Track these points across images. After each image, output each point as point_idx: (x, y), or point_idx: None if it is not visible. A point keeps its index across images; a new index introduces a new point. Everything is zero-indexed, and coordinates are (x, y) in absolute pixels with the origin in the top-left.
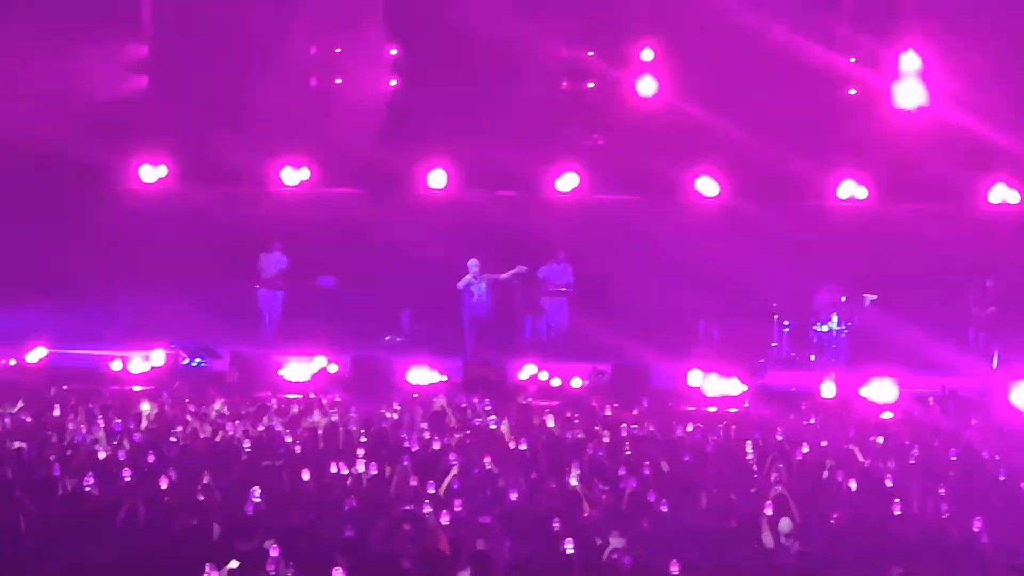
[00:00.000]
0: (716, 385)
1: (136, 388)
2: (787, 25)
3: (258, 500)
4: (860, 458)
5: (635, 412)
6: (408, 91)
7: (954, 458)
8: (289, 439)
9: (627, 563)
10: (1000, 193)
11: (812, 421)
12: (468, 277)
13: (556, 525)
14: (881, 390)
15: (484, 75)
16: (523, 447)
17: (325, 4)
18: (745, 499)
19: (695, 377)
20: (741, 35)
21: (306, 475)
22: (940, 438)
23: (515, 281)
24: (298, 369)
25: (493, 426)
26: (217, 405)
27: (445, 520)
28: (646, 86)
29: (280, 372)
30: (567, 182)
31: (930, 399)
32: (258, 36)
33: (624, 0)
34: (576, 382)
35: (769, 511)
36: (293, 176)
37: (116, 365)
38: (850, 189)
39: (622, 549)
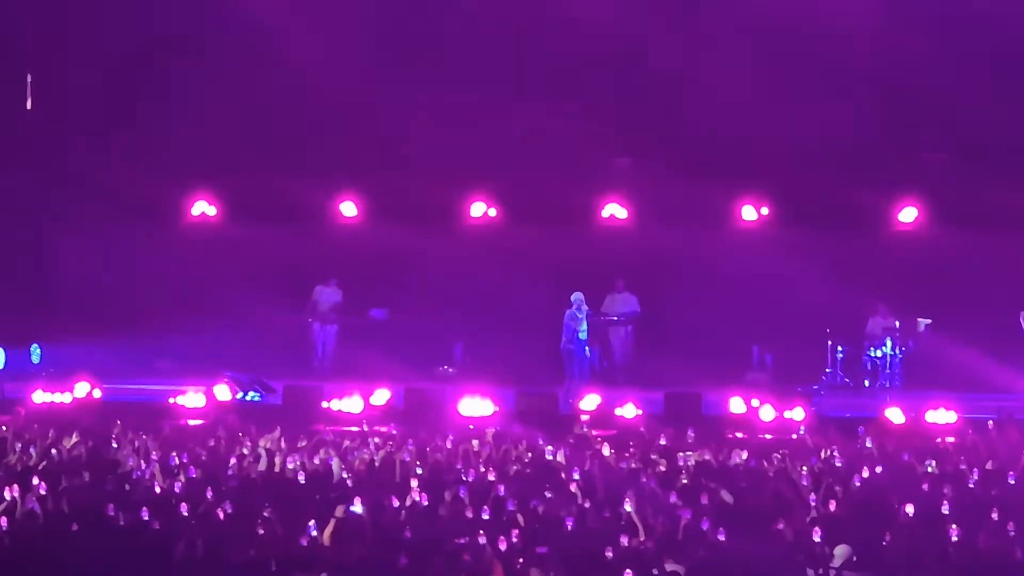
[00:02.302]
0: (775, 412)
1: (192, 422)
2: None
3: (315, 533)
4: (924, 485)
5: (689, 440)
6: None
7: (1012, 482)
8: (345, 474)
9: None
10: None
11: (868, 445)
12: (573, 310)
13: (609, 554)
14: (944, 415)
15: (523, 101)
16: (578, 477)
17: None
18: (801, 527)
19: (749, 404)
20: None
21: (359, 507)
22: (998, 462)
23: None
24: (353, 402)
25: (549, 456)
26: (266, 441)
27: (502, 549)
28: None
29: (335, 404)
30: (617, 212)
31: (989, 423)
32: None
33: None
34: (630, 411)
35: (818, 538)
36: (348, 210)
37: (174, 400)
38: (904, 214)
39: None
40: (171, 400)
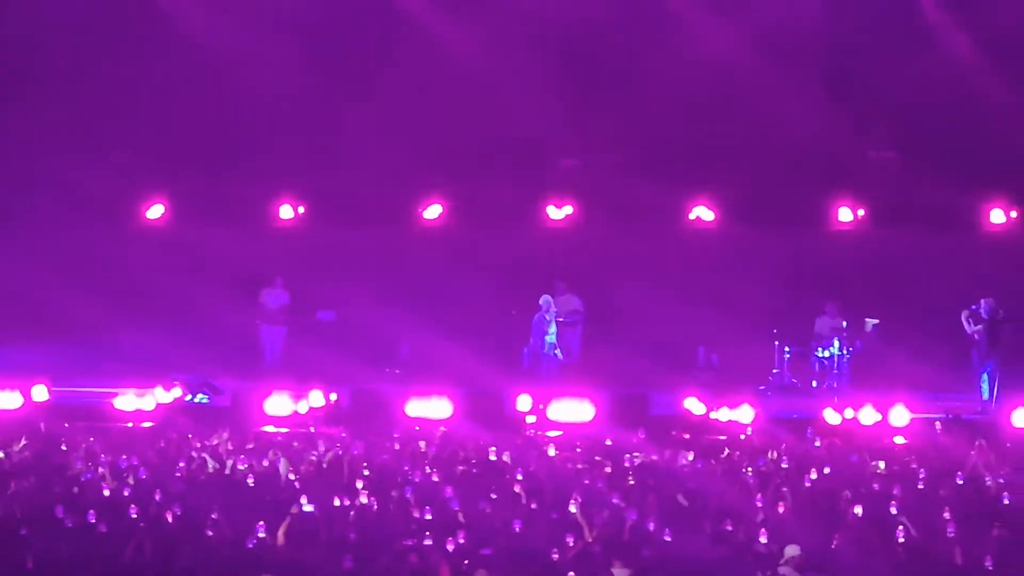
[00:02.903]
0: (722, 412)
1: (140, 424)
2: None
3: (263, 535)
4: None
5: (636, 441)
6: (401, 121)
7: (960, 482)
8: (293, 475)
9: None
10: (1000, 215)
11: (817, 444)
12: (541, 313)
13: (555, 555)
14: (890, 415)
15: (469, 105)
16: (524, 478)
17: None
18: (748, 527)
19: (695, 404)
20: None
21: (309, 507)
22: (946, 462)
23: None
24: (297, 403)
25: (493, 457)
26: (215, 442)
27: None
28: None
29: (274, 407)
30: (561, 212)
31: (937, 424)
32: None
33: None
34: (577, 412)
35: (764, 539)
36: (291, 212)
37: (119, 402)
38: (849, 214)
39: None
40: (117, 402)
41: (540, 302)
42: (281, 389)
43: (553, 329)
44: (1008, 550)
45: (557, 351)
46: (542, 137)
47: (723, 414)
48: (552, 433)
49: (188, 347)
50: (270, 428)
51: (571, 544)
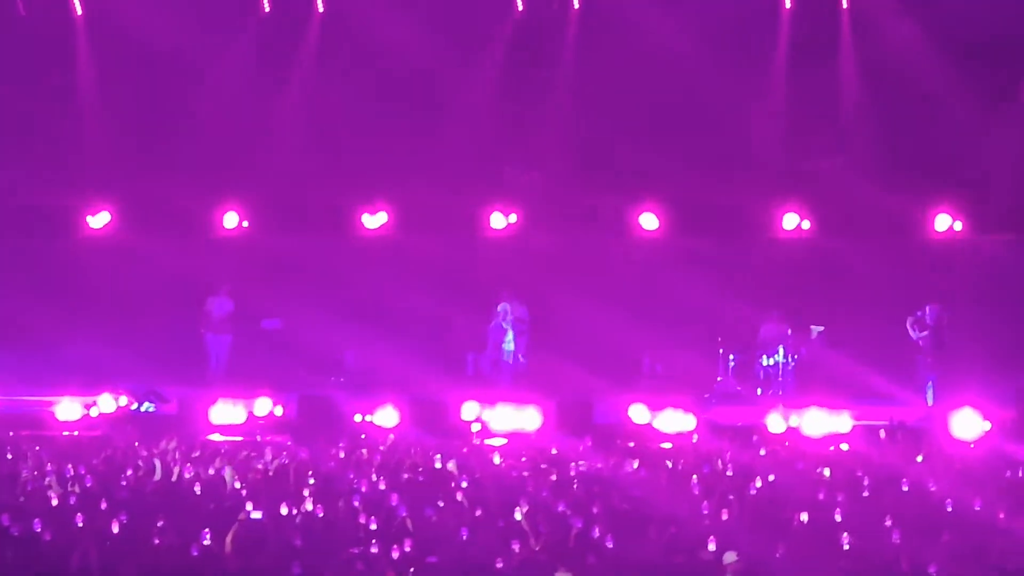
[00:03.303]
0: (666, 420)
1: (84, 433)
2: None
3: (207, 542)
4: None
5: (581, 449)
6: (344, 130)
7: (906, 489)
8: (239, 483)
9: None
10: (945, 222)
11: (763, 453)
12: (499, 320)
13: (500, 564)
14: (835, 422)
15: (415, 111)
16: (470, 485)
17: (261, 49)
18: (694, 534)
19: (639, 412)
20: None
21: (257, 514)
22: (889, 470)
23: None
24: (242, 411)
25: (439, 464)
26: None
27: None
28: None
29: (220, 415)
30: (505, 220)
31: (881, 431)
32: (196, 78)
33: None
34: (523, 420)
35: (712, 546)
36: (235, 220)
37: (63, 411)
38: (793, 221)
39: None
40: (58, 412)
41: (498, 309)
42: (227, 397)
43: (510, 337)
44: (953, 557)
45: (520, 357)
46: (486, 145)
47: (665, 422)
48: (497, 441)
49: (134, 355)
50: (217, 436)
51: (516, 552)
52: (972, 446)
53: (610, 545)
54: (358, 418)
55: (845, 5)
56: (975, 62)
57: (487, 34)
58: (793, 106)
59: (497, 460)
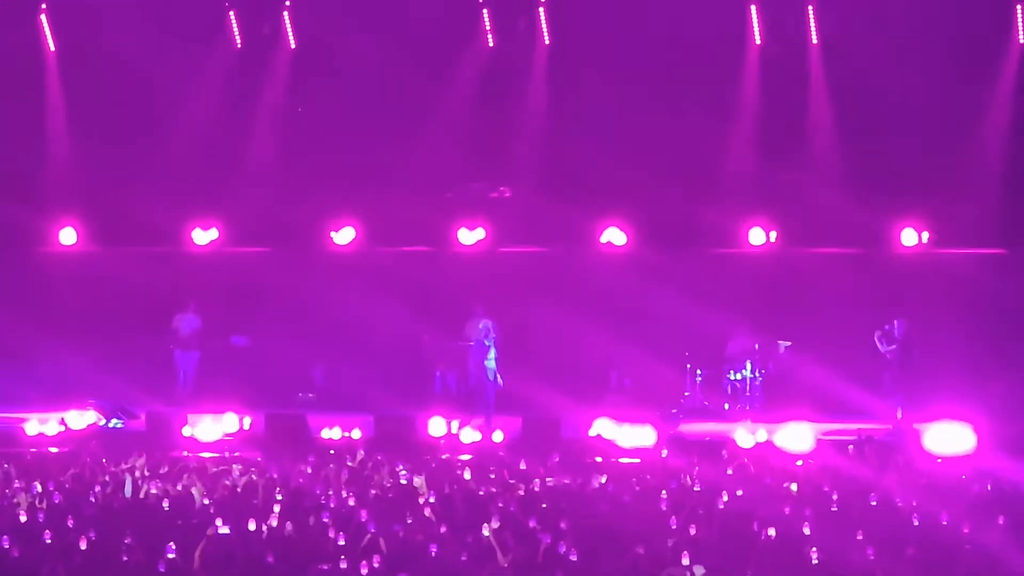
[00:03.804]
0: (629, 436)
1: (52, 450)
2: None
3: (173, 556)
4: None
5: (549, 464)
6: (312, 146)
7: (874, 503)
8: (207, 500)
9: None
10: (912, 237)
11: (729, 472)
12: (480, 338)
13: None
14: (799, 437)
15: (384, 127)
16: (438, 501)
17: (230, 63)
18: (662, 550)
19: (606, 428)
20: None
21: (225, 529)
22: (858, 484)
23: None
24: (210, 428)
25: (404, 480)
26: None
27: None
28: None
29: (192, 431)
30: (473, 235)
31: (849, 446)
32: (166, 95)
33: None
34: (642, 437)
35: (686, 560)
36: (203, 236)
37: (31, 428)
38: (761, 236)
39: None
40: (28, 428)
41: (479, 327)
42: (195, 414)
43: (492, 355)
44: (920, 571)
45: (498, 377)
46: (455, 161)
47: (633, 437)
48: (465, 456)
49: (101, 372)
50: (185, 453)
51: (485, 567)
52: (942, 461)
53: (573, 559)
54: (326, 434)
55: (813, 25)
56: (943, 77)
57: (456, 51)
58: (761, 121)
59: (467, 475)
